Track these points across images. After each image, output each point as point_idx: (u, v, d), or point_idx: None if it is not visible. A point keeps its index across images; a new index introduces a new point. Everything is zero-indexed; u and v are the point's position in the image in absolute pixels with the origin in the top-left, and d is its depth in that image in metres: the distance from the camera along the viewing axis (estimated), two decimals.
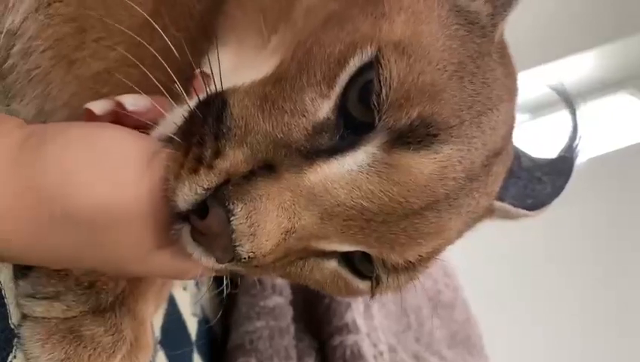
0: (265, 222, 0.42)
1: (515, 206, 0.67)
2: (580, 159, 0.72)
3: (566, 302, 2.49)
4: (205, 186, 0.42)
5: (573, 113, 0.73)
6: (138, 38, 0.52)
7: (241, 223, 0.41)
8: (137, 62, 0.51)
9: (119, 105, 0.49)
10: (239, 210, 0.41)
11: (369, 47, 0.45)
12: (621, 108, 2.77)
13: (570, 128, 0.73)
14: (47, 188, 0.40)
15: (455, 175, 0.47)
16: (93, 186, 0.41)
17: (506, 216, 0.68)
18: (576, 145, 0.73)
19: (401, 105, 0.45)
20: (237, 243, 0.41)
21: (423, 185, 0.46)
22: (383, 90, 0.44)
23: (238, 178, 0.43)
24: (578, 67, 2.60)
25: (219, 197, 0.42)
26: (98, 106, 0.49)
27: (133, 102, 0.49)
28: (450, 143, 0.46)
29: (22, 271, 0.51)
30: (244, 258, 0.42)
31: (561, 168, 0.72)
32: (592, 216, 2.55)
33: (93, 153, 0.42)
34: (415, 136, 0.45)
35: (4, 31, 0.51)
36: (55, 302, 0.50)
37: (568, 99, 0.73)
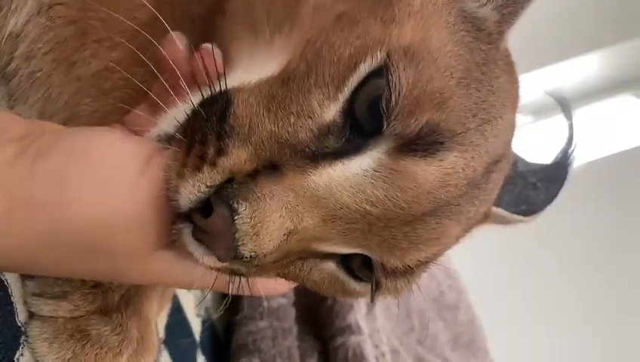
0: (268, 222, 0.42)
1: (509, 212, 0.68)
2: (575, 166, 0.72)
3: (569, 304, 2.48)
4: (208, 184, 0.42)
5: (570, 119, 0.73)
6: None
7: (244, 223, 0.41)
8: (141, 61, 0.51)
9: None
10: (243, 209, 0.41)
11: (379, 52, 0.45)
12: (625, 110, 2.77)
13: (566, 134, 0.73)
14: (45, 202, 0.40)
15: (458, 182, 0.47)
16: (91, 197, 0.41)
17: (501, 221, 0.68)
18: (572, 152, 0.72)
19: (410, 111, 0.44)
20: (239, 243, 0.41)
21: (427, 191, 0.46)
22: (393, 97, 0.44)
23: (242, 177, 0.43)
24: (582, 69, 2.60)
25: (223, 195, 0.42)
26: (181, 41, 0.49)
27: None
28: (455, 151, 0.46)
29: None
30: (246, 257, 0.42)
31: (555, 175, 0.72)
32: (597, 216, 2.54)
33: (89, 163, 0.42)
34: (423, 144, 0.45)
35: (7, 34, 0.52)
36: (62, 302, 0.51)
37: (565, 105, 0.73)
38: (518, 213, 0.69)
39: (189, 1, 0.57)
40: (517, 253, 2.23)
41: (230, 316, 1.05)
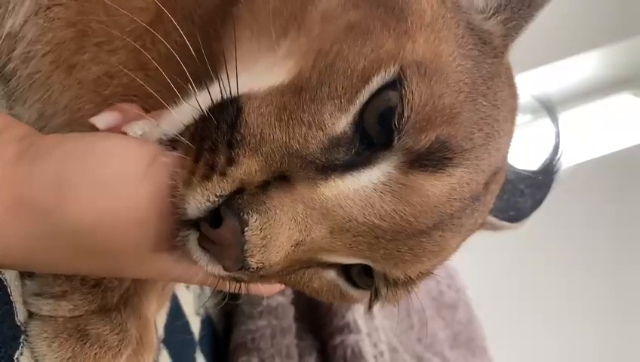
0: (277, 234, 0.42)
1: (498, 218, 0.69)
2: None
3: (568, 302, 2.49)
4: (218, 194, 0.42)
5: (557, 127, 0.74)
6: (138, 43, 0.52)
7: (254, 235, 0.41)
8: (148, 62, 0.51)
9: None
10: (254, 221, 0.41)
11: (392, 67, 0.45)
12: (625, 108, 2.77)
13: (553, 140, 0.74)
14: (45, 203, 0.40)
15: (462, 196, 0.48)
16: (91, 199, 0.41)
17: (491, 228, 0.69)
18: (558, 159, 0.73)
19: (422, 127, 0.45)
20: (248, 254, 0.41)
21: (434, 206, 0.46)
22: (405, 112, 0.44)
23: (252, 188, 0.43)
24: (582, 67, 2.59)
25: (233, 206, 0.42)
26: (101, 121, 0.49)
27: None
28: (462, 166, 0.47)
29: None
30: (253, 268, 0.42)
31: (541, 182, 0.73)
32: (597, 214, 2.54)
33: (90, 166, 0.42)
34: (433, 159, 0.45)
35: (5, 34, 0.51)
36: (62, 301, 0.51)
37: (552, 112, 0.74)
38: (506, 220, 0.70)
39: (189, 4, 0.57)
40: (516, 252, 2.23)
41: (229, 314, 1.05)
